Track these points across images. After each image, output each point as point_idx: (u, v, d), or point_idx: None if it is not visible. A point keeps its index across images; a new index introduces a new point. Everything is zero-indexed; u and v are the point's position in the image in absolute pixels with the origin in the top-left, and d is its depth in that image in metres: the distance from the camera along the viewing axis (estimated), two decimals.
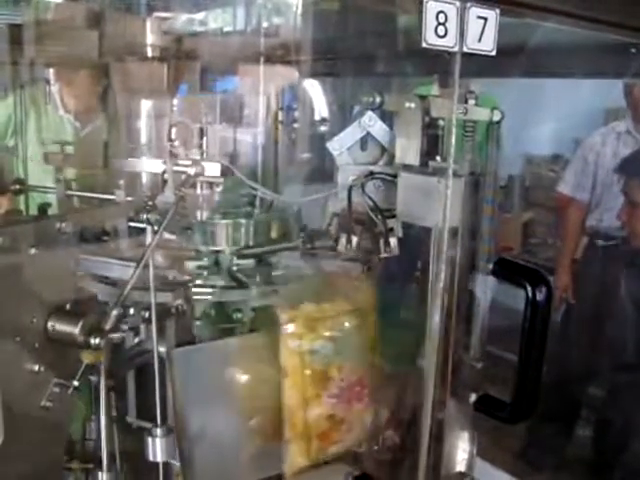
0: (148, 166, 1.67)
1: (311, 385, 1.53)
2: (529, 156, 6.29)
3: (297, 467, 1.56)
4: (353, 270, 1.69)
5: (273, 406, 1.53)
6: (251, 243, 1.68)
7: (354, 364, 1.59)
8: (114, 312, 1.22)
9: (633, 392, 3.20)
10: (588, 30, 1.51)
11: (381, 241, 1.65)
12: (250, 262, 1.64)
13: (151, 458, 1.34)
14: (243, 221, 1.68)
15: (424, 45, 1.29)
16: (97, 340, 1.17)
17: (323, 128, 2.50)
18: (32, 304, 1.11)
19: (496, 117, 1.58)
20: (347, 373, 1.57)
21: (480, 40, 1.34)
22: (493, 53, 1.36)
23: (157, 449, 1.34)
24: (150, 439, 1.33)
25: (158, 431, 1.33)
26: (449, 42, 1.32)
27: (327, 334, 1.55)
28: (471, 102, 1.54)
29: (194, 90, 2.21)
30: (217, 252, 1.63)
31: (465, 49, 1.34)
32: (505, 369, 1.74)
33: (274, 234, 1.73)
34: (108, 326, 1.20)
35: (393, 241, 1.66)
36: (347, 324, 1.58)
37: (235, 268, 1.62)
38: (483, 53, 1.35)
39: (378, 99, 1.67)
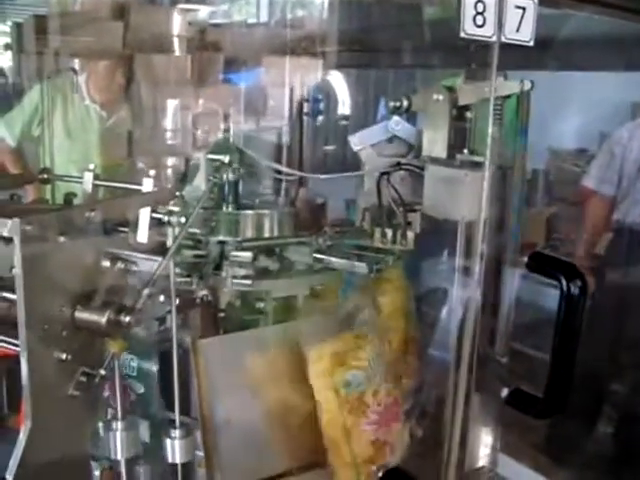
0: (176, 155, 1.67)
1: (349, 416, 1.53)
2: (554, 150, 6.24)
3: None
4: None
5: (297, 398, 1.54)
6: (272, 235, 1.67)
7: (388, 385, 1.59)
8: (145, 291, 1.21)
9: None
10: (623, 20, 1.49)
11: (398, 234, 1.64)
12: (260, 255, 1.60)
13: (170, 460, 1.35)
14: (266, 212, 1.67)
15: (462, 35, 1.28)
16: (127, 318, 1.16)
17: (347, 121, 2.50)
18: (61, 292, 1.12)
19: (527, 86, 1.56)
20: (383, 396, 1.57)
21: (518, 30, 1.32)
22: (531, 44, 1.34)
23: (176, 450, 1.34)
24: (169, 440, 1.34)
25: (177, 432, 1.34)
26: (487, 32, 1.30)
27: (356, 363, 1.55)
28: (500, 79, 1.51)
29: (218, 81, 2.22)
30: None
31: (503, 39, 1.32)
32: (527, 365, 1.73)
33: (297, 226, 1.72)
34: (139, 305, 1.20)
35: (410, 235, 1.65)
36: (374, 350, 1.57)
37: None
38: (521, 43, 1.32)
39: (405, 103, 1.66)
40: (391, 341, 1.69)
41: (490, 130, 1.37)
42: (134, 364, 1.47)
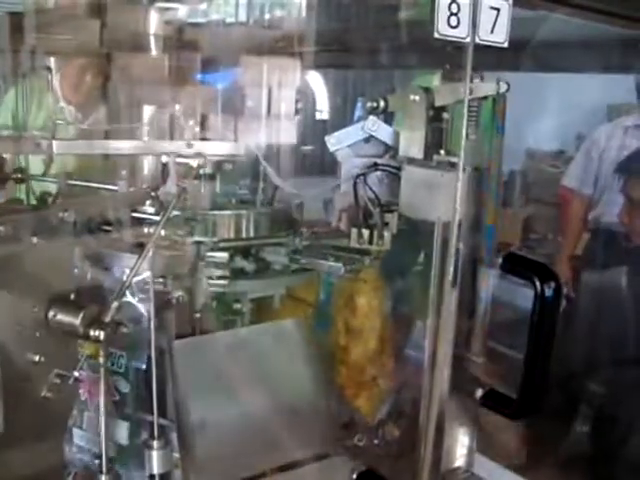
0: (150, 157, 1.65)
1: None
2: (531, 151, 6.28)
3: None
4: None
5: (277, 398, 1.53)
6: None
7: None
8: (114, 304, 1.20)
9: (633, 388, 3.19)
10: (598, 22, 1.49)
11: (375, 234, 1.64)
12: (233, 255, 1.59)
13: (147, 471, 1.34)
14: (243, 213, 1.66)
15: (436, 36, 1.27)
16: (97, 332, 1.15)
17: (325, 120, 2.50)
18: (34, 293, 1.10)
19: (502, 88, 1.56)
20: None
21: (492, 31, 1.31)
22: (505, 45, 1.34)
23: (153, 461, 1.34)
24: (147, 451, 1.33)
25: (155, 443, 1.33)
26: (461, 33, 1.30)
27: None
28: (476, 80, 1.51)
29: (195, 81, 2.20)
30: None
31: (477, 40, 1.31)
32: (506, 364, 1.73)
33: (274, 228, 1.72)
34: (108, 318, 1.19)
35: (387, 235, 1.65)
36: None
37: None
38: (495, 45, 1.32)
39: (382, 104, 1.66)
40: (367, 341, 1.70)
41: (464, 131, 1.37)
42: (123, 361, 1.45)
